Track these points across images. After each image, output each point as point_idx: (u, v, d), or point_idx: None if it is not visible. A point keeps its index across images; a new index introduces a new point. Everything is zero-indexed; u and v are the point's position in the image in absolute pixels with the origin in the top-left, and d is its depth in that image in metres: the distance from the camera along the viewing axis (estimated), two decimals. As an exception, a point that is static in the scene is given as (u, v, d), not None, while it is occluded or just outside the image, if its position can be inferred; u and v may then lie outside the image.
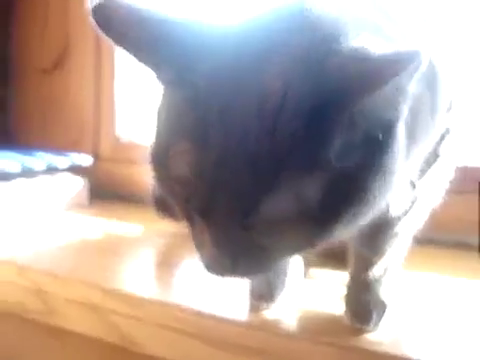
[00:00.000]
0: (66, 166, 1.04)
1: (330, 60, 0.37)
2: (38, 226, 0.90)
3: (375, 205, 0.40)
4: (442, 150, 0.53)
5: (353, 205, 0.39)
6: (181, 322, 0.58)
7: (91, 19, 0.40)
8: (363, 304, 0.54)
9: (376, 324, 0.53)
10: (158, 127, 0.42)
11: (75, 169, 1.06)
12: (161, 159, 0.41)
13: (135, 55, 0.41)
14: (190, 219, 0.43)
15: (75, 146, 1.15)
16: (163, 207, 0.84)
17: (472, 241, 0.78)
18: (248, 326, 0.55)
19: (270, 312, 0.57)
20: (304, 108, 0.37)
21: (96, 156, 1.14)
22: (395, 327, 0.53)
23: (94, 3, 0.40)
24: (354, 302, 0.54)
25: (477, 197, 0.78)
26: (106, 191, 1.09)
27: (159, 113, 0.42)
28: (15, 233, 0.85)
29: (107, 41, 0.41)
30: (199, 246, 0.42)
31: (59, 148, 1.15)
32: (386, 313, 0.53)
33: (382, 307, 0.54)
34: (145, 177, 1.13)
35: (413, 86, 0.37)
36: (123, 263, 0.75)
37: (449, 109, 0.50)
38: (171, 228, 0.80)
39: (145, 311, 0.61)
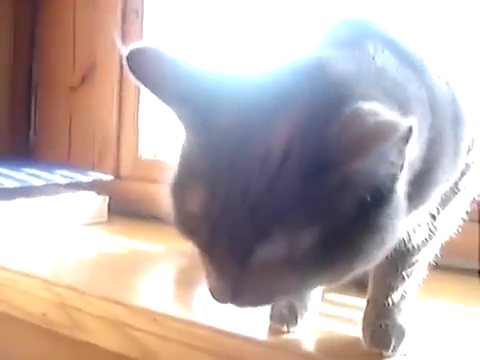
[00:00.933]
0: (87, 182, 1.06)
1: (330, 127, 0.39)
2: (59, 241, 0.92)
3: (369, 259, 0.43)
4: (462, 185, 0.55)
5: (344, 259, 0.42)
6: (201, 340, 0.60)
7: (125, 64, 0.42)
8: (382, 329, 0.54)
9: (395, 349, 0.53)
10: (179, 162, 0.45)
11: (96, 186, 1.08)
12: (177, 191, 0.45)
13: (160, 98, 0.44)
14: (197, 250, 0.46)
15: (97, 163, 1.18)
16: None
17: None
18: (267, 346, 0.57)
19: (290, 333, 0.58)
20: (303, 169, 0.39)
21: (117, 173, 1.16)
22: (413, 353, 0.54)
23: (129, 50, 0.42)
24: (373, 327, 0.55)
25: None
26: (126, 208, 1.11)
27: (182, 150, 0.45)
28: (39, 247, 0.87)
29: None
30: (206, 274, 0.46)
31: (81, 165, 1.18)
32: (405, 339, 0.54)
33: (401, 332, 0.54)
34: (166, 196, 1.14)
35: (411, 150, 0.38)
36: (144, 280, 0.76)
37: (470, 149, 0.52)
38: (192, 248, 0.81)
39: (166, 328, 0.62)
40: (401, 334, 0.54)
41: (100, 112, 1.19)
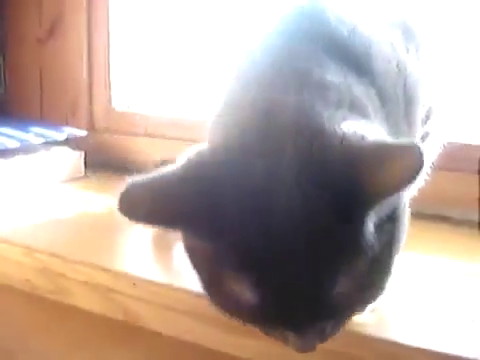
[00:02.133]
0: (61, 139, 1.06)
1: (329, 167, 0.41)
2: (37, 201, 0.93)
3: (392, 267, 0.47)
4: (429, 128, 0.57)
5: (383, 277, 0.46)
6: (180, 302, 0.63)
7: (118, 209, 0.43)
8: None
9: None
10: (196, 265, 0.48)
11: (70, 141, 1.08)
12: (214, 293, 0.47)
13: (165, 227, 0.46)
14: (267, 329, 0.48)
15: (70, 116, 1.18)
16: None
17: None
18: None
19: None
20: (329, 211, 0.41)
21: (91, 126, 1.16)
22: (382, 309, 0.57)
23: (120, 195, 0.43)
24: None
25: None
26: (102, 162, 1.12)
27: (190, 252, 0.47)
28: (16, 210, 0.89)
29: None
30: (281, 338, 0.47)
31: (54, 119, 1.17)
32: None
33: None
34: (141, 147, 1.15)
35: None
36: (124, 241, 0.79)
37: (428, 118, 0.54)
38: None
39: (145, 292, 0.65)
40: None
41: (70, 65, 1.17)
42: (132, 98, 1.16)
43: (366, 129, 0.43)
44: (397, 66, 0.51)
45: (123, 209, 0.43)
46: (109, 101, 1.16)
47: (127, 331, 0.65)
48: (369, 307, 0.52)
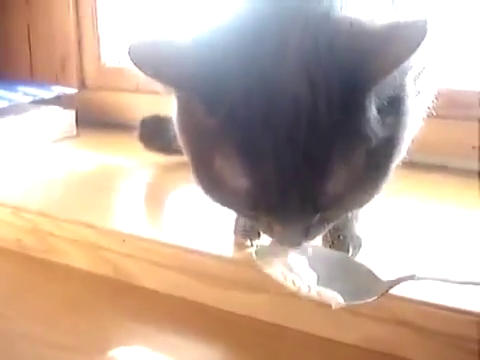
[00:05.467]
0: (51, 96, 1.04)
1: (341, 49, 0.40)
2: (28, 162, 0.93)
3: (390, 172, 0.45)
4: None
5: (382, 174, 0.44)
6: (168, 258, 0.62)
7: (128, 58, 0.41)
8: (340, 240, 0.57)
9: (354, 255, 0.56)
10: (190, 144, 0.46)
11: (61, 99, 1.07)
12: (210, 175, 0.44)
13: (167, 84, 0.43)
14: (252, 217, 0.47)
15: (60, 74, 1.16)
16: (148, 141, 0.87)
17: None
18: (232, 262, 0.59)
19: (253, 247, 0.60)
20: (335, 101, 0.40)
21: (82, 84, 1.15)
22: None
23: (129, 44, 0.41)
24: (331, 238, 0.57)
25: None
26: (94, 119, 1.10)
27: (193, 133, 0.45)
28: (6, 171, 0.88)
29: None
30: (267, 230, 0.47)
31: (45, 77, 1.16)
32: (362, 247, 0.57)
33: (358, 242, 0.57)
34: (131, 103, 1.14)
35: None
36: (114, 199, 0.78)
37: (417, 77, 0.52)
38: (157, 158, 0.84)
39: (134, 248, 0.64)
40: (358, 243, 0.57)
41: (58, 21, 1.15)
42: (122, 53, 1.13)
43: (376, 12, 0.42)
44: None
45: (135, 59, 0.41)
46: (99, 57, 1.13)
47: (118, 288, 0.65)
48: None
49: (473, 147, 0.81)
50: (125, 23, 1.13)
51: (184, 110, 0.46)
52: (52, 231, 0.70)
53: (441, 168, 0.83)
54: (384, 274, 0.49)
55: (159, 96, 1.03)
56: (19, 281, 0.68)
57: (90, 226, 0.68)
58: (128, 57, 0.41)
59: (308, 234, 0.45)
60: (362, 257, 0.55)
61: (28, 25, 1.18)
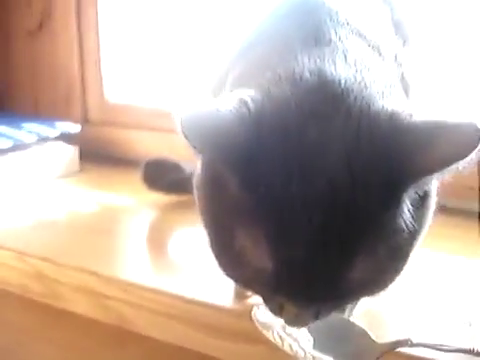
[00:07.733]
0: (55, 135, 1.06)
1: (381, 141, 0.41)
2: (31, 200, 0.93)
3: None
4: None
5: (405, 261, 0.45)
6: (171, 308, 0.63)
7: (179, 130, 0.41)
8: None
9: (349, 315, 0.57)
10: (211, 215, 0.46)
11: (65, 136, 1.08)
12: (228, 250, 0.45)
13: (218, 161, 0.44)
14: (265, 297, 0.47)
15: (64, 109, 1.17)
16: (152, 183, 0.88)
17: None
18: (232, 313, 0.60)
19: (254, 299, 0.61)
20: (372, 191, 0.40)
21: (85, 119, 1.16)
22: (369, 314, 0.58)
23: (181, 117, 0.40)
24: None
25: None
26: (97, 155, 1.11)
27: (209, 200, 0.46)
28: (10, 210, 0.89)
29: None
30: (276, 310, 0.47)
31: (48, 112, 1.17)
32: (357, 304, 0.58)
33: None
34: (134, 138, 1.14)
35: None
36: (117, 243, 0.79)
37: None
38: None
39: (137, 297, 0.65)
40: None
41: (62, 57, 1.16)
42: (125, 90, 1.15)
43: (412, 106, 0.42)
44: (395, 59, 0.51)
45: (186, 133, 0.40)
46: (102, 93, 1.15)
47: (120, 335, 0.66)
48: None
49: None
50: (129, 59, 1.14)
51: (213, 179, 0.46)
52: (56, 277, 0.71)
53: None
54: (380, 333, 0.50)
55: (162, 133, 1.05)
56: (23, 326, 0.69)
57: (93, 273, 0.69)
58: (179, 129, 0.41)
59: (318, 317, 0.45)
60: (358, 311, 0.57)
61: (32, 60, 1.19)
